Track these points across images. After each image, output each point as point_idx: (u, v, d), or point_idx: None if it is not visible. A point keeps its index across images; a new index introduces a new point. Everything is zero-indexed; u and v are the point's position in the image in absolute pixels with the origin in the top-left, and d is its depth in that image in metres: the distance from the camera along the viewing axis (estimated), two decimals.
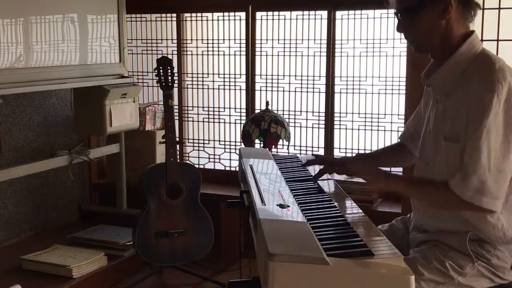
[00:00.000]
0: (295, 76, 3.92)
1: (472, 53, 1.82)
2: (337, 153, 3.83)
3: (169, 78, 3.36)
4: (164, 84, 3.36)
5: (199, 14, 4.14)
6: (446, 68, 1.84)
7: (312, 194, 1.93)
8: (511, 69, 1.78)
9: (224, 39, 4.09)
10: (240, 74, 4.06)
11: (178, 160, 3.47)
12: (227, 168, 4.20)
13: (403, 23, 1.87)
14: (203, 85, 4.21)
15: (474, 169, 1.71)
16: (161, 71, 3.35)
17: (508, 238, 1.81)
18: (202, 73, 4.20)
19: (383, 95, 3.69)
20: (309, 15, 3.82)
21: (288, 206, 1.68)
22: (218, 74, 4.15)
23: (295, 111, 3.94)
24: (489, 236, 1.81)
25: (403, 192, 1.91)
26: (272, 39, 3.94)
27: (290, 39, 3.90)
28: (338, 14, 3.71)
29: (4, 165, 3.42)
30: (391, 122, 3.69)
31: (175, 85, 3.55)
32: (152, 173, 3.33)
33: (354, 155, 2.49)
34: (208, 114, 4.22)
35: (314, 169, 2.26)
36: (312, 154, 2.32)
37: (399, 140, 2.25)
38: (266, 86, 4.00)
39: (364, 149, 3.76)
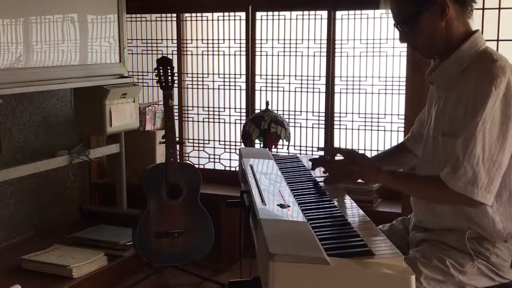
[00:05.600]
0: (295, 76, 3.92)
1: (474, 50, 1.83)
2: None
3: (169, 78, 3.36)
4: (164, 84, 3.36)
5: (199, 14, 4.14)
6: (447, 65, 1.86)
7: (312, 194, 1.93)
8: None
9: (224, 39, 4.10)
10: (240, 74, 4.06)
11: (178, 160, 3.47)
12: (227, 168, 4.20)
13: (404, 33, 1.89)
14: (203, 85, 4.21)
15: (467, 159, 1.69)
16: (161, 71, 3.35)
17: (506, 232, 1.82)
18: (202, 73, 4.20)
19: (383, 95, 3.69)
20: (309, 15, 3.82)
21: (289, 206, 1.68)
22: (218, 74, 4.15)
23: (295, 111, 3.94)
24: (488, 230, 1.81)
25: (391, 185, 1.88)
26: (272, 39, 3.94)
27: (290, 39, 3.90)
28: (338, 14, 3.71)
29: (4, 165, 3.42)
30: (391, 122, 3.69)
31: (175, 85, 3.55)
32: (152, 173, 3.34)
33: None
34: (208, 114, 4.22)
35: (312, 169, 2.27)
36: (310, 160, 2.29)
37: (402, 141, 2.25)
38: (266, 86, 4.00)
39: (364, 149, 3.76)
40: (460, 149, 1.71)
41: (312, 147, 3.90)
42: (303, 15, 3.84)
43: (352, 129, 3.79)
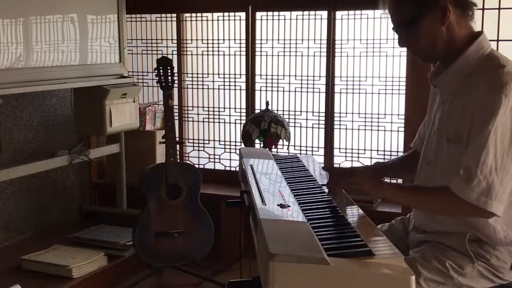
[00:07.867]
0: (295, 76, 3.92)
1: (480, 54, 1.80)
2: (337, 153, 3.83)
3: (169, 78, 3.36)
4: (164, 84, 3.36)
5: (199, 14, 4.14)
6: (453, 69, 1.82)
7: (312, 194, 1.93)
8: None
9: (224, 39, 4.09)
10: (240, 74, 4.06)
11: (178, 160, 3.47)
12: (227, 168, 4.20)
13: (403, 38, 1.86)
14: (203, 85, 4.21)
15: (480, 169, 1.65)
16: (161, 71, 3.35)
17: (508, 240, 1.80)
18: (202, 73, 4.20)
19: (383, 95, 3.69)
20: (309, 15, 3.82)
21: (289, 206, 1.68)
22: (218, 74, 4.15)
23: (295, 111, 3.94)
24: (489, 237, 1.80)
25: (397, 199, 1.86)
26: (272, 39, 3.94)
27: (290, 39, 3.90)
28: (338, 14, 3.71)
29: (4, 165, 3.42)
30: (391, 122, 3.69)
31: (175, 85, 3.55)
32: (152, 173, 3.33)
33: (372, 164, 2.41)
34: (208, 114, 4.22)
35: (314, 169, 2.27)
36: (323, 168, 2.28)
37: (412, 147, 2.21)
38: (266, 86, 4.00)
39: (364, 149, 3.76)
40: (471, 159, 1.68)
41: (312, 147, 3.90)
42: (303, 15, 3.83)
43: (352, 129, 3.78)
